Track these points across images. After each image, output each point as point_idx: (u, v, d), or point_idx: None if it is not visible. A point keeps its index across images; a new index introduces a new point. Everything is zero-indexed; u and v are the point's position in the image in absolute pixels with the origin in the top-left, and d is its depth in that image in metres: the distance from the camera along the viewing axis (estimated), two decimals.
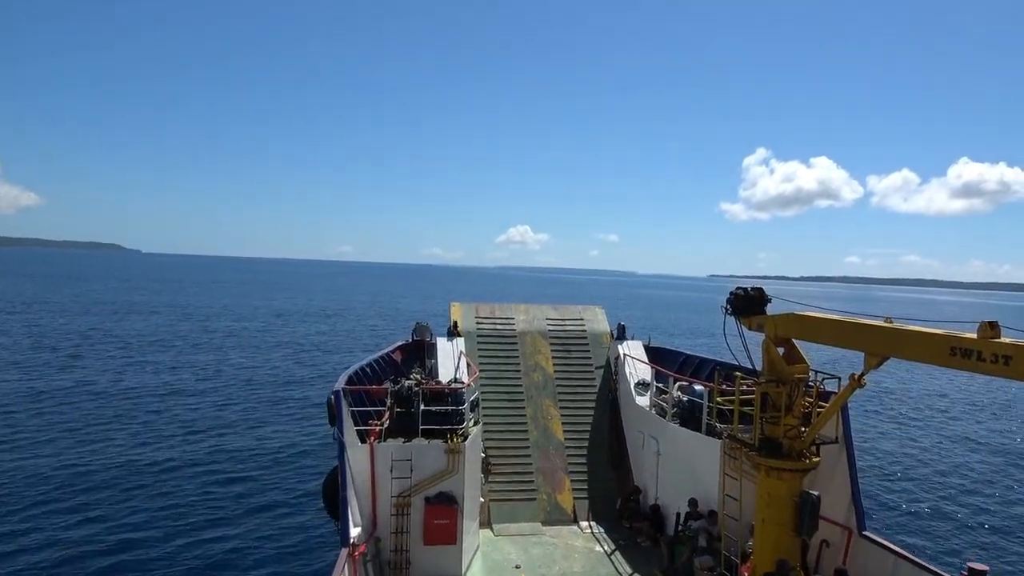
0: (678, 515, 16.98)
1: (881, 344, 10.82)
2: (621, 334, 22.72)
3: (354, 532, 13.65)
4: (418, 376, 18.07)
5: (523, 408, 20.92)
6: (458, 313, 23.38)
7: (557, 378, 22.03)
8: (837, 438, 14.22)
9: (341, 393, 14.62)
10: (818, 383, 13.55)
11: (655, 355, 22.12)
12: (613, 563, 16.30)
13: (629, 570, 15.90)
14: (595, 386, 22.02)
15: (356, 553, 13.37)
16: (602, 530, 18.22)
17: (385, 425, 15.42)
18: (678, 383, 18.29)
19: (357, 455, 14.49)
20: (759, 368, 13.34)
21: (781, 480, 12.65)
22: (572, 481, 19.51)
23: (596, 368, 22.52)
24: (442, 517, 14.82)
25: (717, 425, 15.87)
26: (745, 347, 13.62)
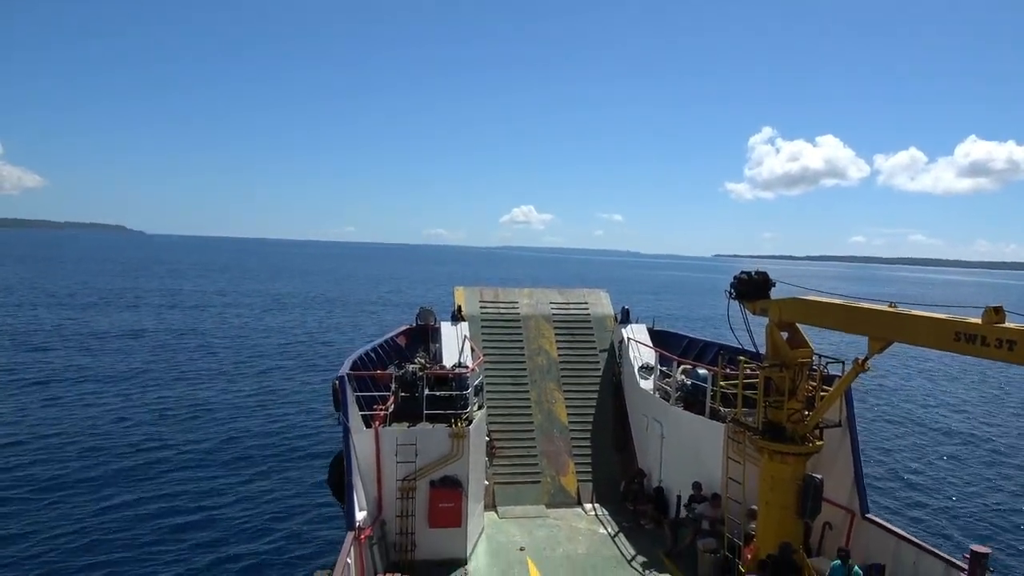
0: (679, 497, 17.10)
1: (885, 329, 10.80)
2: (625, 318, 22.71)
3: (360, 516, 13.77)
4: (422, 361, 18.13)
5: (527, 392, 20.99)
6: (462, 297, 23.40)
7: (561, 362, 22.07)
8: (840, 422, 14.26)
9: (346, 378, 14.68)
10: (822, 367, 13.56)
11: (659, 338, 22.13)
12: (617, 545, 16.43)
13: (633, 552, 16.02)
14: (599, 370, 22.07)
15: (362, 536, 13.50)
16: (606, 512, 18.34)
17: (390, 410, 15.50)
18: (682, 367, 18.32)
19: (362, 440, 14.57)
20: (763, 352, 13.36)
21: (784, 464, 12.70)
22: (576, 464, 19.61)
23: (600, 352, 22.55)
24: (447, 500, 14.93)
25: (721, 409, 15.92)
26: (749, 331, 13.63)
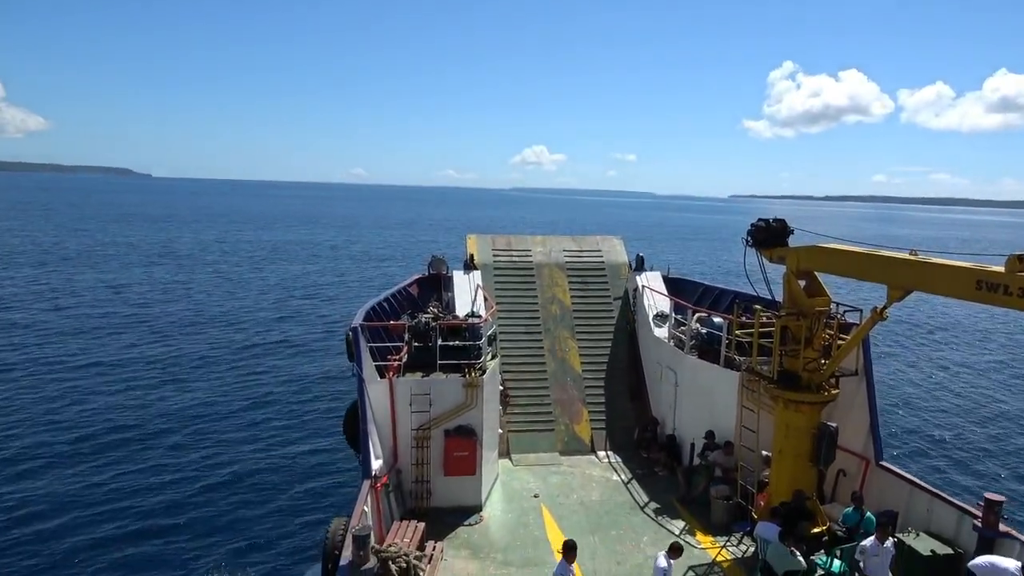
0: (692, 445, 17.15)
1: (905, 277, 10.55)
2: (639, 265, 22.47)
3: (375, 464, 13.95)
4: (435, 310, 18.09)
5: (540, 340, 20.97)
6: (474, 246, 23.22)
7: (575, 310, 21.97)
8: (857, 370, 14.12)
9: (359, 329, 14.68)
10: (840, 316, 13.35)
11: (674, 286, 21.91)
12: (630, 492, 16.59)
13: (646, 499, 16.18)
14: (613, 318, 21.95)
15: (378, 484, 13.70)
16: (619, 460, 18.48)
17: (403, 360, 15.54)
18: (697, 315, 18.14)
19: (376, 390, 14.66)
20: (779, 300, 13.15)
21: (799, 412, 12.63)
22: (590, 412, 19.70)
23: (614, 300, 22.40)
24: (461, 449, 15.07)
25: (736, 357, 15.80)
26: (766, 279, 13.40)
